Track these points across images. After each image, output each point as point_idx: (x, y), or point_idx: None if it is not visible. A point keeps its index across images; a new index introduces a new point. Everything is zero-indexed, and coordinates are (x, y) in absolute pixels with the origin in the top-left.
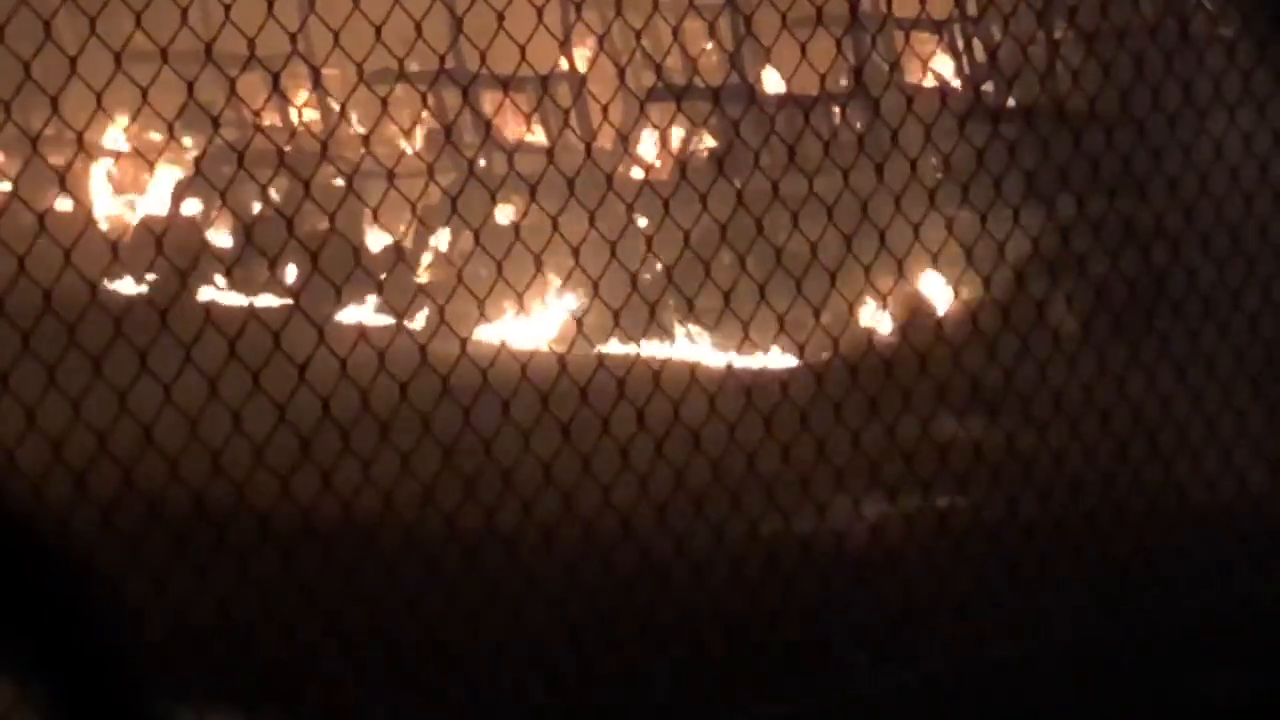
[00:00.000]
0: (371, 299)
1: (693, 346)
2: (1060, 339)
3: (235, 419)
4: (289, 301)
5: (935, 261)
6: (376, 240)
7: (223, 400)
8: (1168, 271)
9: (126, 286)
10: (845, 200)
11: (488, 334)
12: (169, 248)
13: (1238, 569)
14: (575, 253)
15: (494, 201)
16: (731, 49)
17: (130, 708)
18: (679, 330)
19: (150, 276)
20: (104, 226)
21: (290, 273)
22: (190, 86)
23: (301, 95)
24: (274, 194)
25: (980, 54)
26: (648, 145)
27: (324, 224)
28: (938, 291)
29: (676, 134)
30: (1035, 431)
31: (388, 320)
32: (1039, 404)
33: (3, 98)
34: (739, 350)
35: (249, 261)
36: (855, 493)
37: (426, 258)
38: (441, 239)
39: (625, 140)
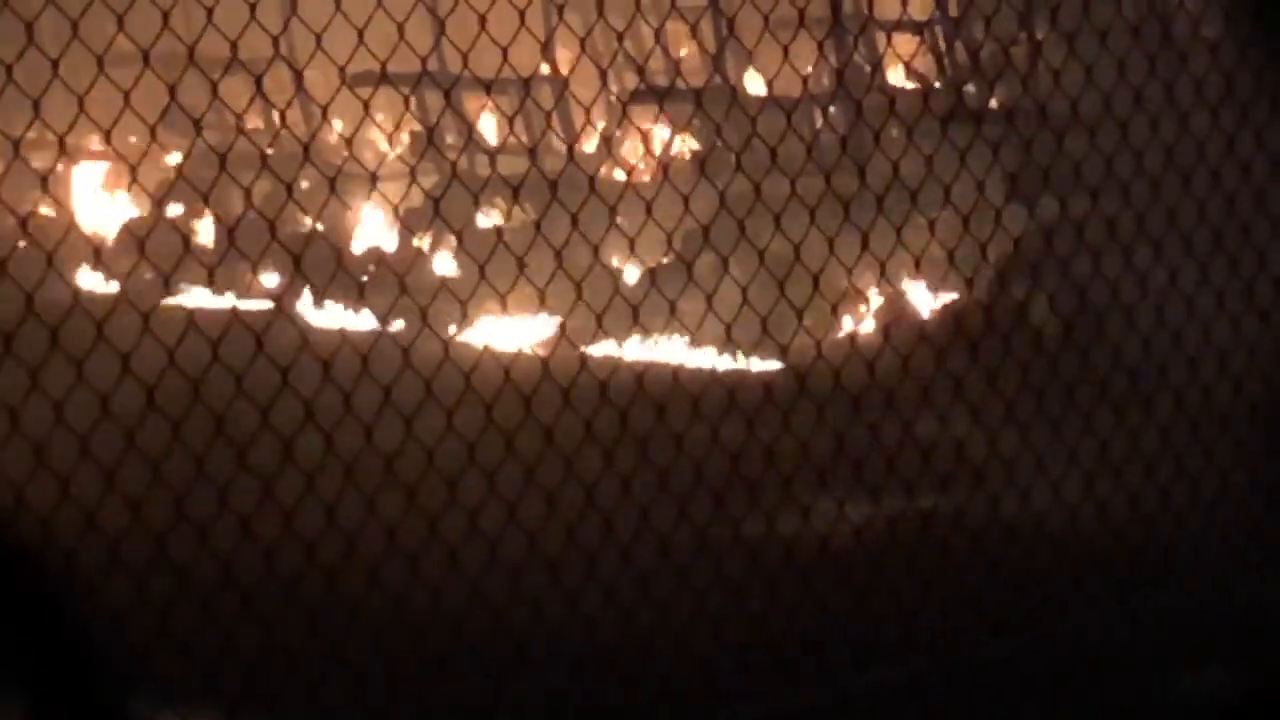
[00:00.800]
0: (354, 300)
1: (675, 348)
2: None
3: (218, 421)
4: (271, 303)
5: (917, 263)
6: (359, 242)
7: (204, 403)
8: (1149, 272)
9: (108, 289)
10: (827, 201)
11: (470, 336)
12: (151, 251)
13: (1224, 568)
14: (558, 254)
15: (476, 203)
16: (713, 51)
17: (113, 710)
18: (661, 332)
19: (135, 279)
20: (86, 230)
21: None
22: (172, 89)
23: (284, 98)
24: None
25: (962, 55)
26: (630, 147)
27: (306, 226)
28: (920, 293)
29: (659, 136)
30: (1018, 433)
31: (371, 322)
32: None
33: None
34: (722, 352)
35: (231, 264)
36: (839, 494)
37: (408, 259)
38: (424, 241)
39: (607, 142)
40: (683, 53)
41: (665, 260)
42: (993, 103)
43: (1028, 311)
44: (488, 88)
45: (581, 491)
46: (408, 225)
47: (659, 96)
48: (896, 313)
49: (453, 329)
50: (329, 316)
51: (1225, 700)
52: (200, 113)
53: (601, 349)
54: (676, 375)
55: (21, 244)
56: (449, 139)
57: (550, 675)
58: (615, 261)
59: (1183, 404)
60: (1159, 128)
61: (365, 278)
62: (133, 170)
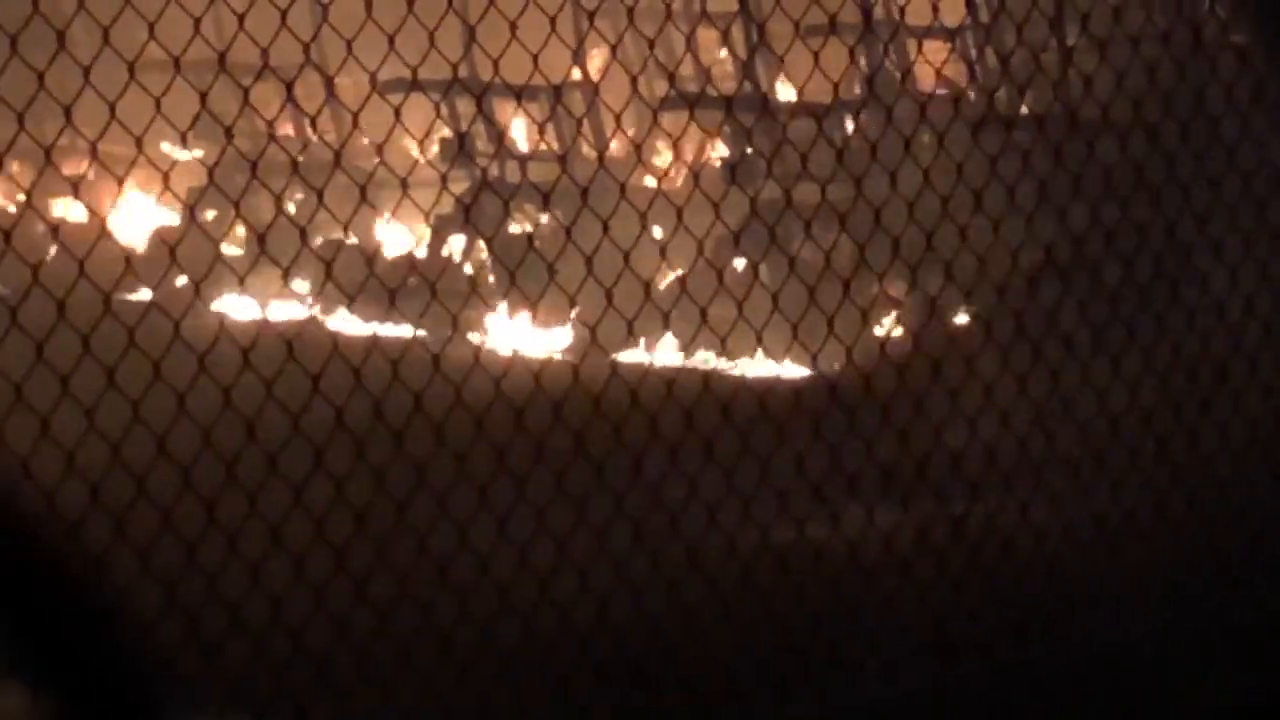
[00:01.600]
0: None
1: (706, 355)
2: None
3: (249, 429)
4: (304, 312)
5: (948, 269)
6: (390, 249)
7: (236, 410)
8: (1179, 278)
9: (140, 296)
10: (858, 208)
11: (500, 343)
12: (182, 257)
13: (1254, 574)
14: (588, 261)
15: (507, 210)
16: (744, 57)
17: (145, 713)
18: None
19: (167, 285)
20: (117, 236)
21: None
22: (203, 96)
23: (314, 104)
24: (289, 204)
25: (993, 61)
26: (660, 154)
27: (337, 233)
28: (951, 299)
29: (689, 143)
30: (1047, 439)
31: (401, 329)
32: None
33: (16, 107)
34: (752, 359)
35: (262, 271)
36: (868, 501)
37: (439, 266)
38: (455, 248)
39: (638, 149)
40: (714, 59)
41: (695, 267)
42: (1024, 109)
43: (1058, 318)
44: (518, 94)
45: (611, 498)
46: (438, 232)
47: (690, 103)
48: (927, 319)
49: (483, 336)
50: (359, 323)
51: (1252, 705)
52: (231, 119)
53: (632, 355)
54: (707, 382)
55: (52, 251)
56: (480, 146)
57: (578, 681)
58: (645, 268)
59: (1210, 409)
60: (1189, 133)
61: (396, 284)
62: (164, 177)
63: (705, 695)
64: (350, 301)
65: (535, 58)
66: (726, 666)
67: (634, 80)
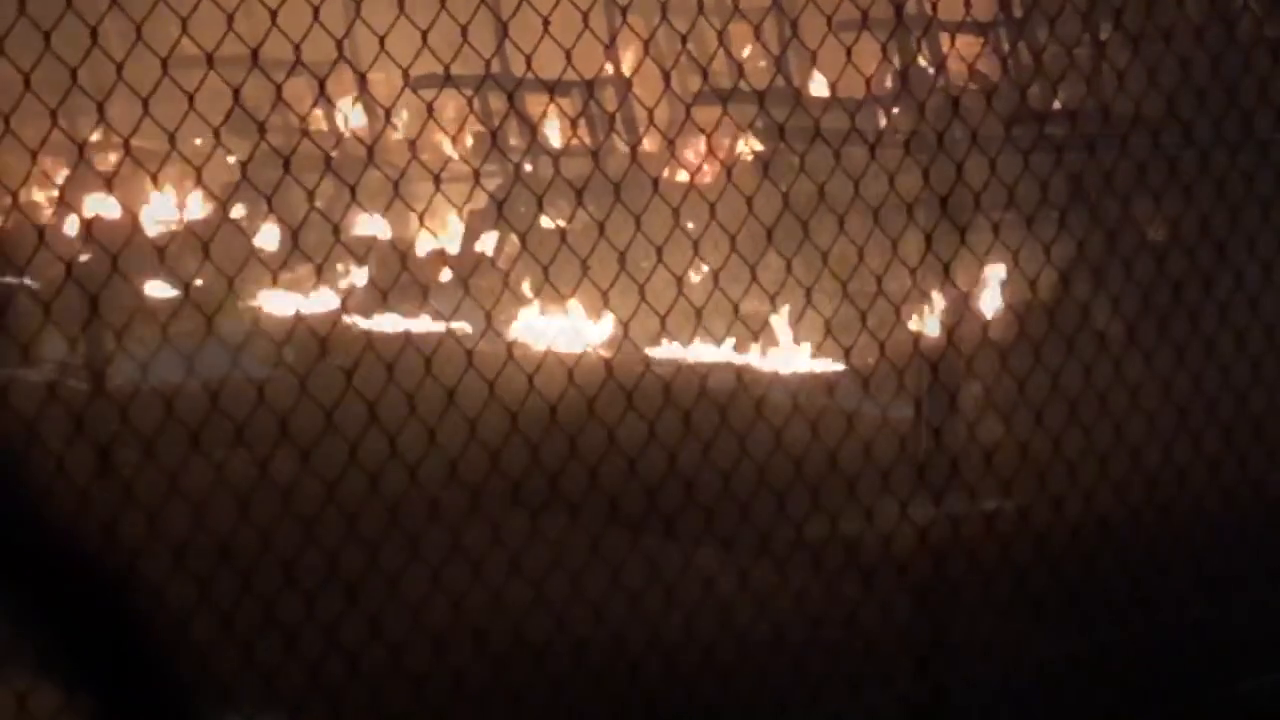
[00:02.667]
0: (417, 302)
1: (739, 350)
2: (1106, 341)
3: (282, 425)
4: (336, 306)
5: (981, 264)
6: (423, 244)
7: (270, 407)
8: (1214, 274)
9: (173, 291)
10: (891, 203)
11: (533, 338)
12: (215, 253)
13: None
14: (621, 256)
15: (540, 206)
16: (777, 52)
17: (179, 712)
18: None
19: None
20: (150, 232)
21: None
22: (236, 92)
23: (347, 100)
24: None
25: (1026, 56)
26: (693, 149)
27: (371, 229)
28: (983, 294)
29: (722, 137)
30: (1081, 434)
31: (434, 325)
32: (1085, 406)
33: (50, 104)
34: (785, 354)
35: (295, 266)
36: (902, 496)
37: (472, 261)
38: (488, 243)
39: (671, 144)
40: (747, 54)
41: (728, 261)
42: (1056, 104)
43: (1091, 313)
44: (551, 90)
45: (644, 493)
46: (471, 227)
47: (722, 98)
48: (960, 314)
49: (516, 331)
50: (392, 319)
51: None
52: (264, 115)
53: (665, 351)
54: (740, 376)
55: (86, 248)
56: (512, 141)
57: (610, 678)
58: (678, 263)
59: (1246, 405)
60: (1222, 128)
61: (428, 279)
62: (197, 172)
63: (738, 691)
64: (384, 296)
65: (568, 53)
66: (760, 663)
67: (666, 75)
